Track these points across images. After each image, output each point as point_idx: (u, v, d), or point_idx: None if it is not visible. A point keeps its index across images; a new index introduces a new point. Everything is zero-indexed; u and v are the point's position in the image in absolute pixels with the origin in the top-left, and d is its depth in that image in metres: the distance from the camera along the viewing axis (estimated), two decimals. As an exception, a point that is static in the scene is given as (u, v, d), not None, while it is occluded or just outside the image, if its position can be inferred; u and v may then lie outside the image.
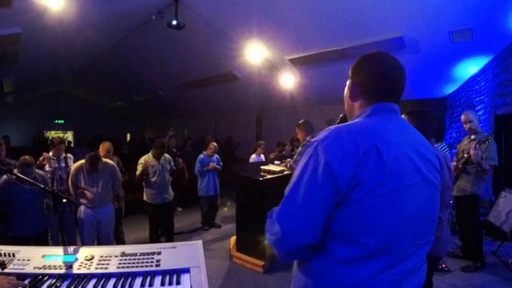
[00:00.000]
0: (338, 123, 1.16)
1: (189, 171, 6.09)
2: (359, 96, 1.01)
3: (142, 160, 4.09)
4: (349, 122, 0.98)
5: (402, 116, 1.98)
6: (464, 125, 3.57)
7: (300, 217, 0.83)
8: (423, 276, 0.94)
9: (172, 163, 4.36)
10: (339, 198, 0.82)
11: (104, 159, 3.56)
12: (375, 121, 0.92)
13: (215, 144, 5.57)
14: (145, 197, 4.14)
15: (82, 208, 3.37)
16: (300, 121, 3.94)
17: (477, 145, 3.24)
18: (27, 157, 3.05)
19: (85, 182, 3.34)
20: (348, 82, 1.06)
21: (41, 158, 3.86)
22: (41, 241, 3.16)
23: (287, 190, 0.89)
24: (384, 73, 0.98)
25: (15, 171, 2.77)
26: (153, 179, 4.05)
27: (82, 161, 3.42)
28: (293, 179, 0.89)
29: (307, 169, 0.85)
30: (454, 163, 3.53)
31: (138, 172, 4.04)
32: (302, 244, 0.85)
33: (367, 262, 0.82)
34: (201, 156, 5.43)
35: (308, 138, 3.79)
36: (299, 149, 3.79)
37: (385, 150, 0.82)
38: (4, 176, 2.97)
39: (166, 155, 4.28)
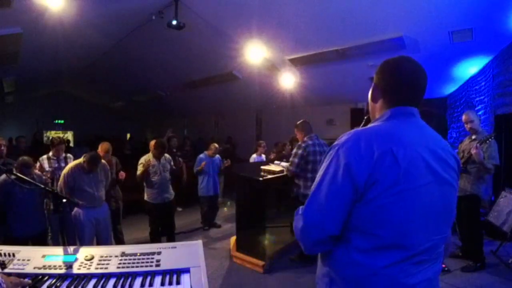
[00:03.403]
0: (363, 124, 1.24)
1: (188, 172, 6.10)
2: (379, 99, 1.08)
3: (142, 160, 4.09)
4: (370, 125, 1.05)
5: None
6: (465, 125, 3.57)
7: (322, 212, 0.94)
8: (439, 266, 1.01)
9: (172, 163, 4.37)
10: (357, 195, 0.90)
11: None
12: (392, 125, 0.99)
13: (216, 145, 5.58)
14: (146, 197, 4.14)
15: (79, 209, 3.30)
16: (299, 122, 3.93)
17: (478, 145, 3.24)
18: (25, 157, 3.02)
19: (82, 182, 3.29)
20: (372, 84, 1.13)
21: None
22: (40, 242, 3.14)
23: (312, 189, 0.99)
24: (403, 79, 1.03)
25: (14, 171, 2.77)
26: (154, 179, 4.05)
27: (78, 161, 3.37)
28: (317, 179, 0.98)
29: (329, 170, 0.95)
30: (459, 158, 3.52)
31: (139, 172, 4.04)
32: (324, 236, 0.94)
33: (382, 253, 0.90)
34: (201, 156, 5.43)
35: (305, 139, 3.77)
36: (295, 150, 3.77)
37: (400, 152, 0.89)
38: (2, 176, 2.96)
39: (166, 155, 4.29)
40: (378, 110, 1.08)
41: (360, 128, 1.01)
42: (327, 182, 0.94)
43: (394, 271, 0.90)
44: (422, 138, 0.98)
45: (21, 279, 1.26)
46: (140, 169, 4.04)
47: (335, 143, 0.99)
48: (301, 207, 1.01)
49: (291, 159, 3.77)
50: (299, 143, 3.78)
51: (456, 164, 1.03)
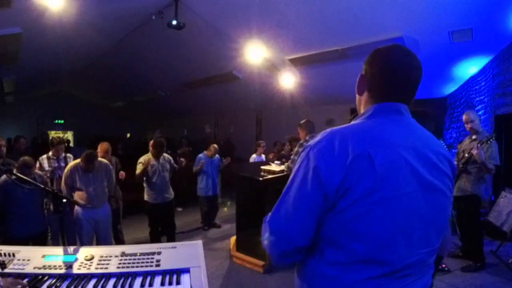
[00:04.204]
0: (350, 120, 1.14)
1: (187, 172, 6.11)
2: (365, 91, 0.96)
3: (142, 159, 4.09)
4: (350, 123, 0.93)
5: None
6: (466, 125, 3.57)
7: (289, 221, 0.83)
8: (427, 279, 0.90)
9: (172, 162, 4.37)
10: (328, 203, 0.80)
11: (99, 159, 3.54)
12: (373, 124, 0.87)
13: (215, 146, 5.58)
14: (146, 197, 4.14)
15: (78, 208, 3.34)
16: (302, 121, 3.95)
17: (479, 145, 3.24)
18: (26, 158, 3.02)
19: (80, 182, 3.31)
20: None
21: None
22: (40, 242, 3.14)
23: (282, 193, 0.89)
24: (393, 70, 0.90)
25: (15, 171, 2.76)
26: (153, 179, 4.05)
27: (77, 161, 3.39)
28: (288, 183, 0.88)
29: (298, 174, 0.85)
30: (454, 163, 3.53)
31: (138, 171, 4.04)
32: (292, 247, 0.84)
33: (358, 268, 0.80)
34: (200, 155, 5.44)
35: (307, 138, 3.79)
36: (296, 148, 3.79)
37: (379, 155, 0.78)
38: (3, 176, 2.96)
39: (165, 154, 4.29)
40: (363, 104, 0.97)
41: (337, 126, 0.88)
42: (295, 187, 0.84)
43: (372, 286, 0.79)
44: (408, 138, 0.85)
45: (20, 281, 1.25)
46: (139, 168, 4.04)
47: (308, 143, 0.88)
48: (269, 213, 0.90)
49: (292, 157, 3.79)
50: (301, 141, 3.80)
51: (450, 169, 0.90)
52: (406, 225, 0.80)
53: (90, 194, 3.34)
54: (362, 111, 0.96)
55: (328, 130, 0.87)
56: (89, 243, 3.37)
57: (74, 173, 3.31)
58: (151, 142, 4.24)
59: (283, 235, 0.84)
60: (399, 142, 0.83)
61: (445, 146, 4.14)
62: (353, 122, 0.93)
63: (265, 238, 0.87)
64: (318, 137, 0.87)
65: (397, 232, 0.79)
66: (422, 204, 0.82)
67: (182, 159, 5.42)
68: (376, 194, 0.77)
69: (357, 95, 1.00)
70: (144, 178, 4.09)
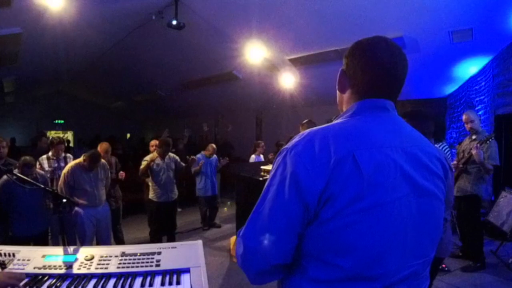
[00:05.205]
0: (331, 121, 1.10)
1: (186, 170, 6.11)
2: (347, 88, 0.87)
3: (147, 157, 4.13)
4: (332, 123, 0.84)
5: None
6: (465, 125, 3.58)
7: (265, 236, 0.73)
8: None
9: (179, 161, 4.37)
10: (309, 214, 0.71)
11: None
12: (357, 122, 0.79)
13: (213, 146, 5.60)
14: (150, 195, 4.16)
15: (79, 208, 3.33)
16: (305, 121, 3.93)
17: (478, 145, 3.24)
18: (27, 157, 3.03)
19: (81, 182, 3.31)
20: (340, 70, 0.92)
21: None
22: (41, 242, 3.14)
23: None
24: (377, 63, 0.82)
25: (16, 171, 2.76)
26: (159, 177, 4.09)
27: (77, 160, 3.40)
28: (262, 192, 0.78)
29: (273, 181, 0.75)
30: (455, 162, 3.54)
31: (142, 166, 4.07)
32: (270, 265, 0.74)
33: (346, 285, 0.71)
34: (198, 156, 5.43)
35: None
36: None
37: (364, 157, 0.70)
38: (4, 177, 2.97)
39: (171, 154, 4.30)
40: (345, 102, 0.88)
41: (317, 127, 0.79)
42: (270, 197, 0.74)
43: None
44: (396, 138, 0.77)
45: (16, 272, 1.25)
46: (143, 164, 4.08)
47: (284, 146, 0.78)
48: (243, 227, 0.80)
49: None
50: None
51: (442, 170, 0.81)
52: (398, 235, 0.71)
53: (91, 193, 3.35)
54: (344, 110, 0.88)
55: (307, 131, 0.77)
56: (89, 243, 3.37)
57: (75, 172, 3.31)
58: (155, 141, 4.24)
59: (258, 252, 0.74)
60: (387, 141, 0.75)
61: (446, 146, 4.13)
62: (334, 122, 0.84)
63: (239, 255, 0.78)
64: (295, 139, 0.76)
65: (389, 243, 0.71)
66: (414, 210, 0.74)
67: (193, 156, 5.29)
68: (363, 201, 0.68)
69: (338, 93, 0.91)
70: (150, 177, 4.12)
